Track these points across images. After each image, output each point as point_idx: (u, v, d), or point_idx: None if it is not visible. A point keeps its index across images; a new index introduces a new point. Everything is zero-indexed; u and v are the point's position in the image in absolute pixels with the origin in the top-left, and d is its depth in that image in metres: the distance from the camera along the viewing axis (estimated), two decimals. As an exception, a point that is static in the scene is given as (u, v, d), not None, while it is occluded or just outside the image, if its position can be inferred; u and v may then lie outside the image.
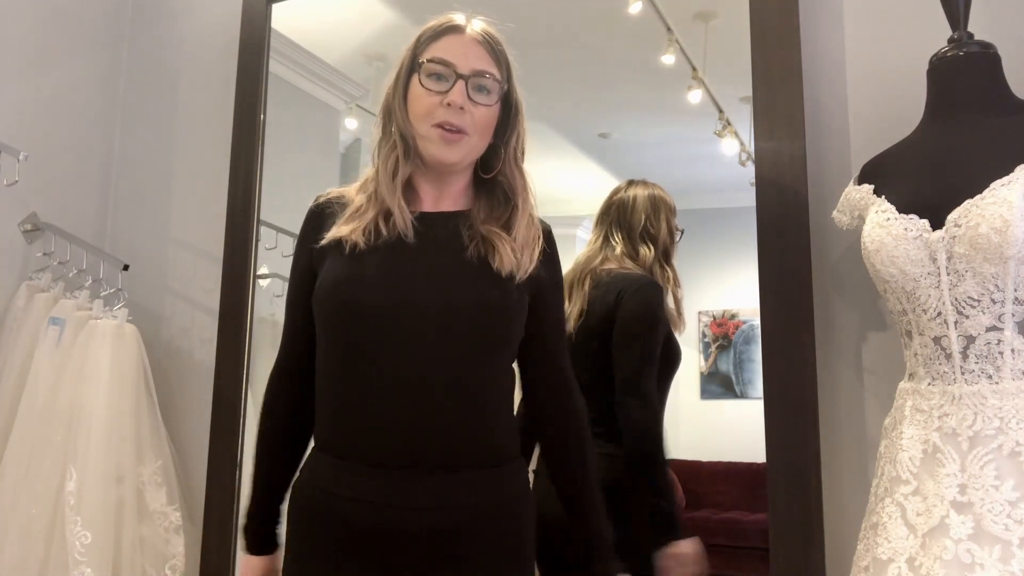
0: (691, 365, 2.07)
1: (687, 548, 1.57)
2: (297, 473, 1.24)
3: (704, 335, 2.07)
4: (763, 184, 1.58)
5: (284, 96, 2.23)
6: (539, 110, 2.30)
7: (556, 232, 1.36)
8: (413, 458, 1.10)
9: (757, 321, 1.55)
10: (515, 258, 1.17)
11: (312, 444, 1.24)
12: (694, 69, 1.97)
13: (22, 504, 1.85)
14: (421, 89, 1.18)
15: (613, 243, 1.76)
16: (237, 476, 2.02)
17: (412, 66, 1.21)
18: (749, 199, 1.61)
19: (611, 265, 1.74)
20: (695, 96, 1.99)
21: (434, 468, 1.11)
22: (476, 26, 1.21)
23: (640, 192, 1.79)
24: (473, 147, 1.20)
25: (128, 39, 2.52)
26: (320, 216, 1.25)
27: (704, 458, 2.01)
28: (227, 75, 2.25)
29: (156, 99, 2.44)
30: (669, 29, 1.97)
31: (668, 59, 1.98)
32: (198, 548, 2.04)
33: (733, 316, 2.05)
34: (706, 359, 2.06)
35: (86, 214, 2.36)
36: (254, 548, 1.29)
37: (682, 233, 1.84)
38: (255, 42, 2.21)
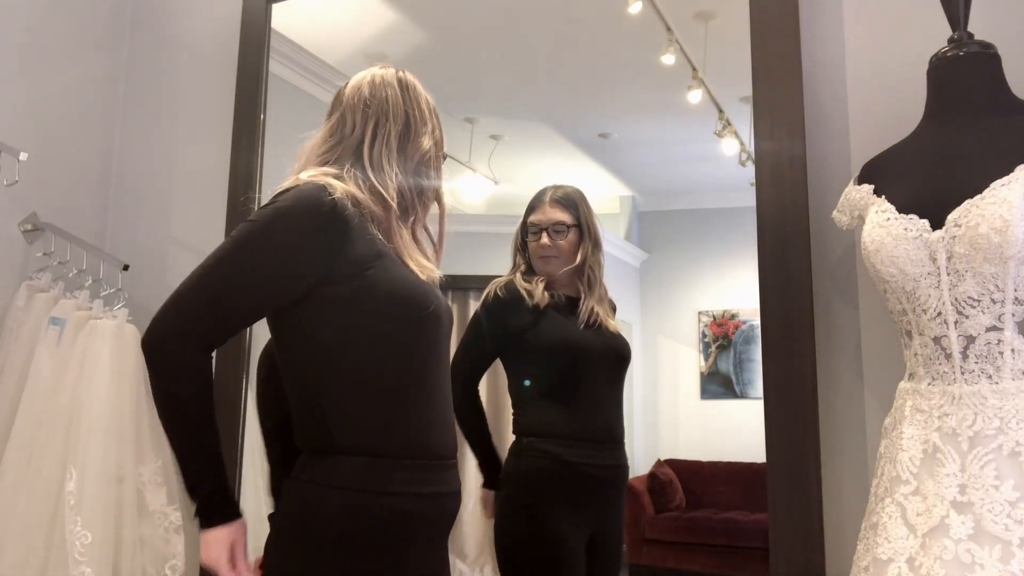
0: (691, 365, 2.07)
1: None
2: (351, 492, 1.19)
3: (704, 335, 2.07)
4: (763, 184, 1.58)
5: (284, 96, 2.23)
6: (539, 110, 2.32)
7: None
8: (455, 447, 1.29)
9: (757, 321, 1.55)
10: None
11: (371, 457, 1.20)
12: (694, 69, 1.97)
13: (22, 504, 1.84)
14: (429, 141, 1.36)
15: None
16: (237, 476, 2.02)
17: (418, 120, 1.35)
18: (749, 199, 1.61)
19: None
20: (695, 96, 1.99)
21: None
22: None
23: None
24: None
25: (128, 39, 2.52)
26: (347, 217, 1.22)
27: (704, 458, 2.01)
28: (227, 75, 2.25)
29: (156, 99, 2.44)
30: (669, 29, 1.97)
31: (668, 59, 1.98)
32: (198, 548, 2.03)
33: (733, 316, 2.05)
34: (706, 359, 2.06)
35: (86, 214, 2.36)
36: (232, 512, 1.26)
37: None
38: (255, 42, 2.22)
